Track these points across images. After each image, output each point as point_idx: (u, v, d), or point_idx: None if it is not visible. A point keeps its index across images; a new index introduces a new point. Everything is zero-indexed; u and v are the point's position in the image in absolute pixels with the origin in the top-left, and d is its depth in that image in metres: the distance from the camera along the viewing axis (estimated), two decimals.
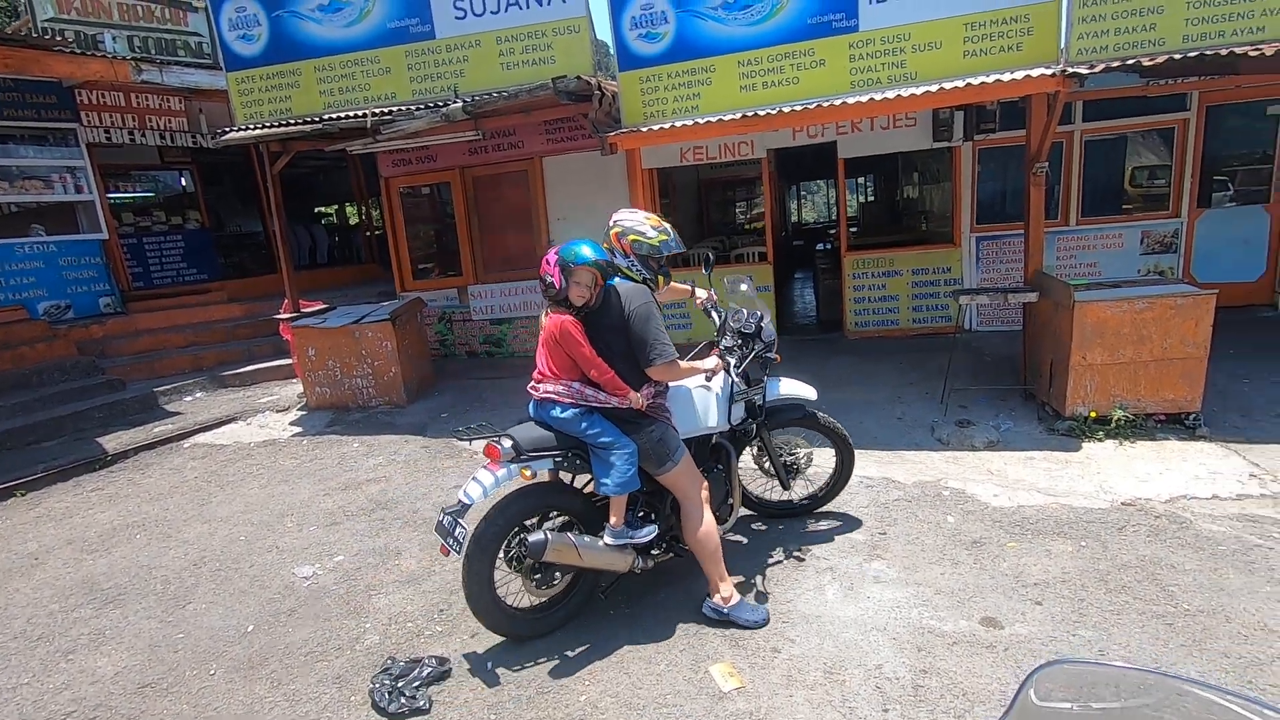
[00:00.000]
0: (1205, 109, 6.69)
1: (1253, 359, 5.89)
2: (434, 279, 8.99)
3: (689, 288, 3.75)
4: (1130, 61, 4.82)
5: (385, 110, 6.53)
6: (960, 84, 5.02)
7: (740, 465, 3.68)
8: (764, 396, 3.61)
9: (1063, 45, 5.07)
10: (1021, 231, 5.72)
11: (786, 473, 3.86)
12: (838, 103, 5.26)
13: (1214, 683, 1.20)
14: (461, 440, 3.15)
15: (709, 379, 3.37)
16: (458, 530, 2.87)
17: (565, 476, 3.29)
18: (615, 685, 2.90)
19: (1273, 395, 5.28)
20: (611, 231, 3.12)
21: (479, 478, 2.95)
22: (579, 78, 5.72)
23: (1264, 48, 4.46)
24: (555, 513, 3.17)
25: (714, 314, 3.70)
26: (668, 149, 7.74)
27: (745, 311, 3.53)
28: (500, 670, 3.05)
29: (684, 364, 3.12)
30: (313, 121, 6.68)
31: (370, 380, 7.01)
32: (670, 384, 3.24)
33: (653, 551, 3.30)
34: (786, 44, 5.58)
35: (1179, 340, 4.69)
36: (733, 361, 3.33)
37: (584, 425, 2.98)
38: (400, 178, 8.63)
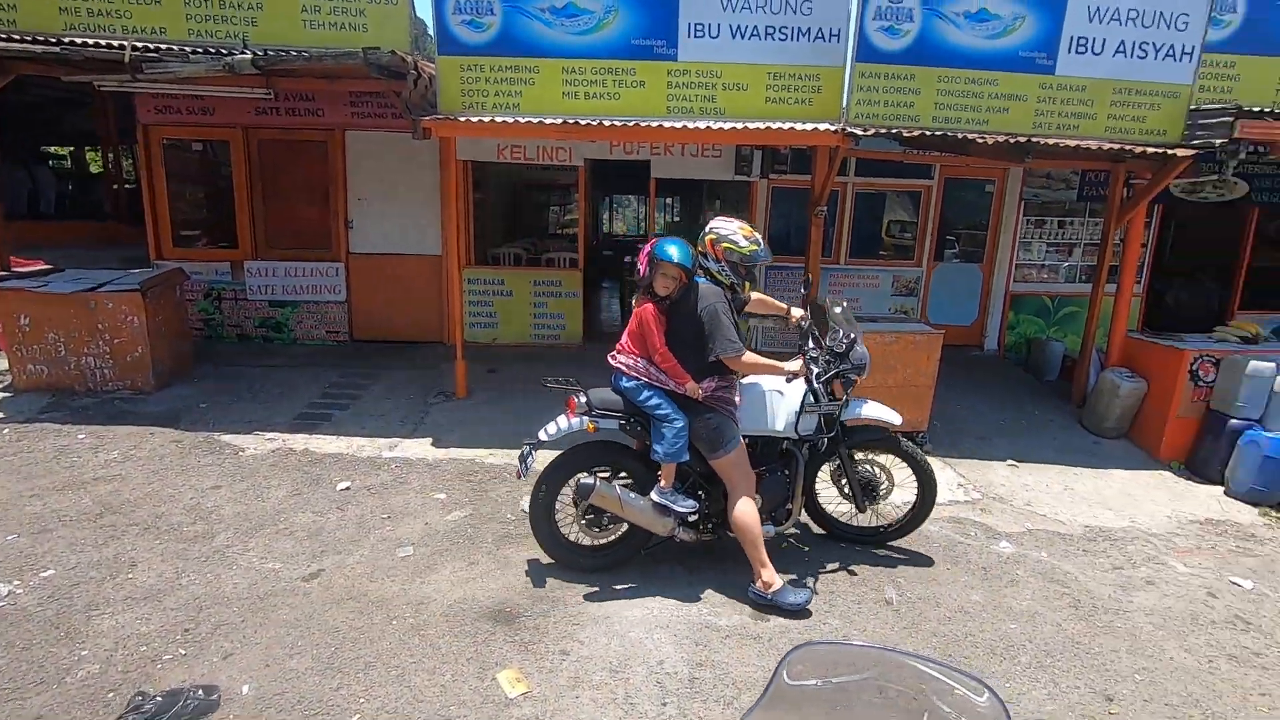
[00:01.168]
0: (944, 179, 8.07)
1: (964, 390, 7.19)
2: (201, 249, 7.84)
3: (785, 306, 3.89)
4: (894, 130, 5.67)
5: (151, 46, 5.58)
6: (761, 126, 5.53)
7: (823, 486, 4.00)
8: (843, 413, 3.72)
9: (844, 107, 5.81)
10: (803, 264, 6.43)
11: (864, 494, 3.91)
12: (654, 125, 5.51)
13: (924, 654, 1.47)
14: (548, 386, 3.60)
15: (789, 381, 3.55)
16: (530, 460, 3.41)
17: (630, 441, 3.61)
18: (395, 700, 2.73)
19: (977, 420, 6.48)
20: (707, 237, 3.41)
21: (556, 420, 3.48)
22: (394, 52, 5.37)
23: (987, 137, 5.50)
24: (622, 472, 3.59)
25: (810, 334, 3.78)
26: (486, 143, 7.55)
27: (841, 331, 3.66)
28: (272, 694, 2.73)
29: (755, 358, 3.39)
30: (46, 42, 5.51)
31: (108, 360, 5.90)
32: (745, 381, 3.60)
33: (696, 525, 3.65)
34: (610, 59, 5.73)
35: (916, 370, 5.58)
36: (815, 371, 3.55)
37: (644, 396, 3.37)
38: (166, 127, 7.42)
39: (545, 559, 3.70)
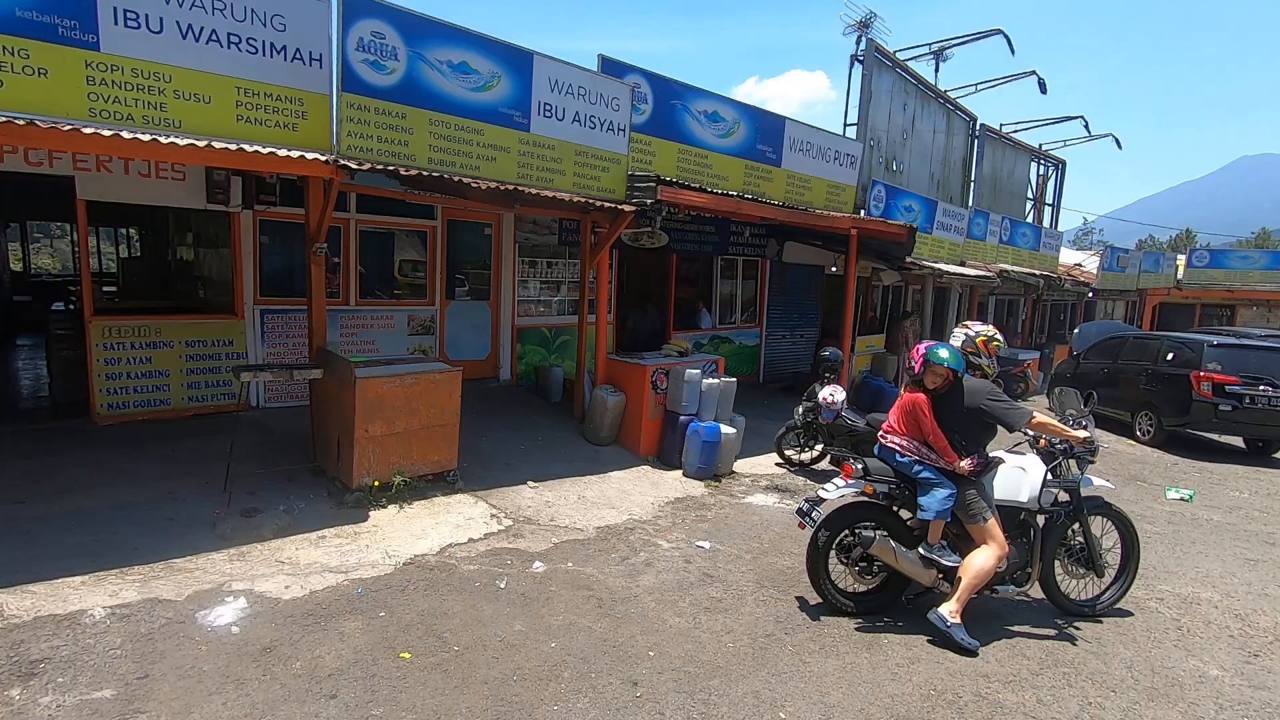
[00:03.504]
0: (447, 221, 8.36)
1: (487, 421, 7.52)
2: None
3: (1066, 427, 4.19)
4: (391, 168, 5.53)
5: None
6: (233, 147, 4.70)
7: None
8: (1079, 487, 4.33)
9: (335, 139, 5.41)
10: (306, 307, 5.74)
11: (1095, 560, 4.41)
12: (66, 128, 4.13)
13: None
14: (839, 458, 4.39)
15: (1039, 461, 4.22)
16: (814, 513, 4.06)
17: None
18: None
19: (501, 449, 6.82)
20: (978, 339, 4.25)
21: (835, 482, 4.15)
22: None
23: (480, 182, 5.84)
24: (882, 530, 4.10)
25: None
26: None
27: (1077, 418, 4.44)
28: None
29: (1044, 418, 4.06)
30: None
31: None
32: (992, 462, 4.13)
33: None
34: None
35: (439, 410, 5.52)
36: (1059, 448, 4.28)
37: (916, 469, 4.03)
38: None
39: (814, 598, 4.23)
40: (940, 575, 4.06)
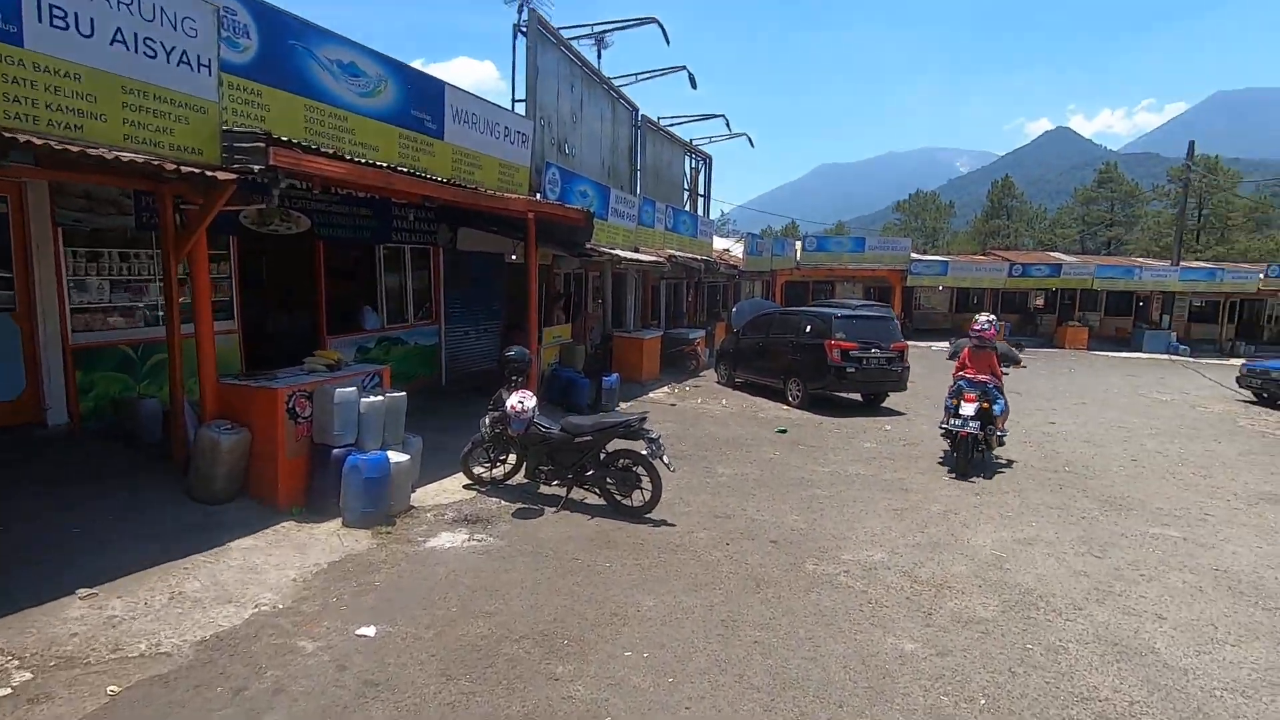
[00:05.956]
0: None
1: (19, 492, 4.97)
2: None
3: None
4: None
5: None
6: None
7: None
8: None
9: None
10: None
11: None
12: None
13: None
14: None
15: None
16: None
17: None
18: None
19: (38, 537, 4.46)
20: (999, 322, 7.70)
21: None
22: None
23: None
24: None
25: None
26: None
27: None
28: None
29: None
30: None
31: None
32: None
33: None
34: None
35: None
36: None
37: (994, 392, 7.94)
38: None
39: None
40: None
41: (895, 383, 11.88)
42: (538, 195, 10.39)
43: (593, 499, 6.15)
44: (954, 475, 7.65)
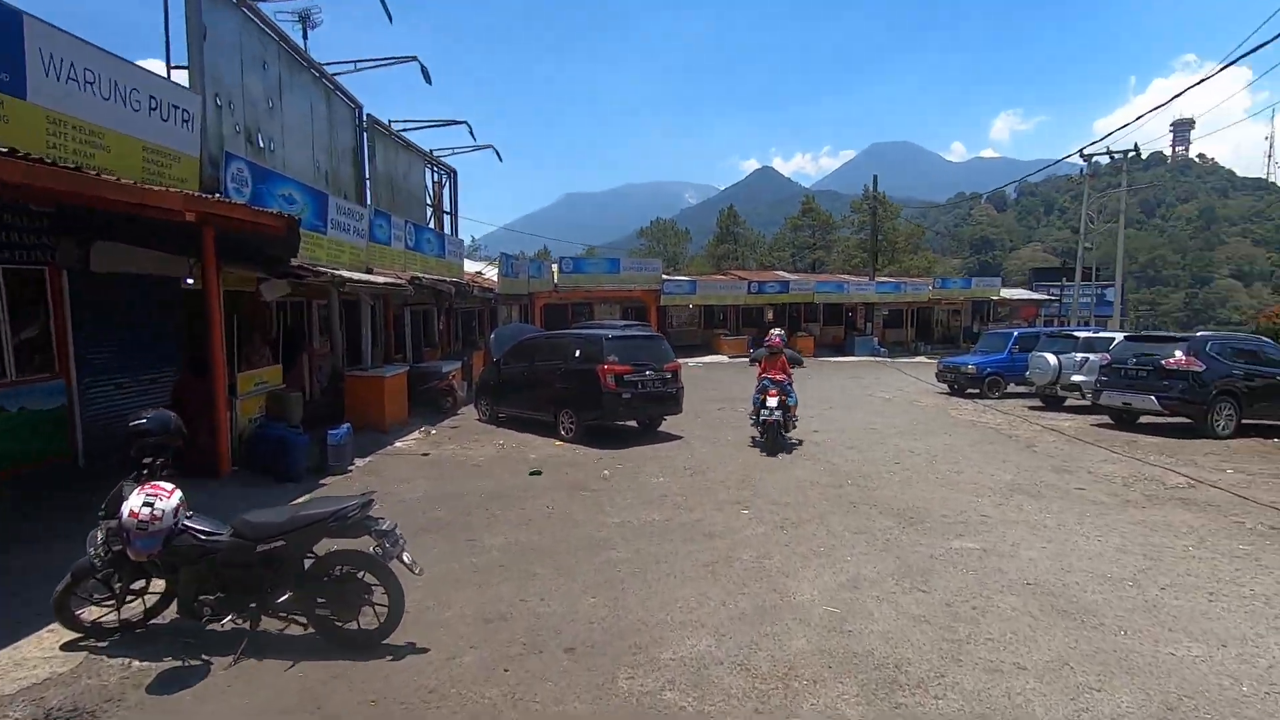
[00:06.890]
0: None
1: None
2: None
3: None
4: None
5: None
6: None
7: None
8: None
9: None
10: None
11: None
12: None
13: None
14: None
15: None
16: None
17: None
18: None
19: None
20: (783, 331, 11.98)
21: None
22: None
23: None
24: None
25: None
26: None
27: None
28: None
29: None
30: None
31: None
32: None
33: None
34: None
35: None
36: None
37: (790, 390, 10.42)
38: None
39: None
40: None
41: (673, 405, 11.20)
42: (216, 196, 7.73)
43: (298, 629, 4.09)
44: (764, 453, 9.65)
